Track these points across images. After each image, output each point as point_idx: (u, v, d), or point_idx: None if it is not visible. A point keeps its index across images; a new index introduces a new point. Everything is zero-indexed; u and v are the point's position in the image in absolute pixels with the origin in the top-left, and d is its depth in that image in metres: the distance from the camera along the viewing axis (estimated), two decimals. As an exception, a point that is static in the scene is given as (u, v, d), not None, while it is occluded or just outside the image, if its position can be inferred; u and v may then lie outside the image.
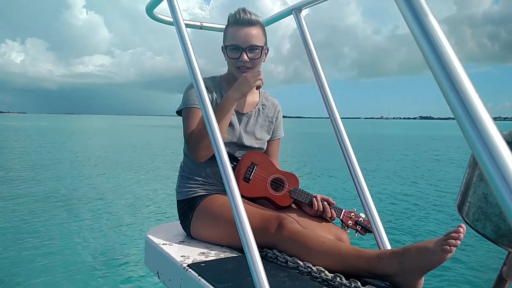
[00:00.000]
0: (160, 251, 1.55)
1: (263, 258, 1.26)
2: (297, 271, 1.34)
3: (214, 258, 1.46)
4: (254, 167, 1.74)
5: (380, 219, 1.51)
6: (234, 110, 1.73)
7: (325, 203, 1.71)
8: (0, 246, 5.38)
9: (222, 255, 1.49)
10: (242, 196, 1.15)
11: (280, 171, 1.79)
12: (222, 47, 1.74)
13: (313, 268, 1.31)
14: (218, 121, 1.28)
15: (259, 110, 1.85)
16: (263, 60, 1.74)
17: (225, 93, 1.73)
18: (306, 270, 1.33)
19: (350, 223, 1.71)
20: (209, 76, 1.79)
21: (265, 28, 1.76)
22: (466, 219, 0.80)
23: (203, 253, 1.51)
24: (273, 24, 1.90)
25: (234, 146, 1.76)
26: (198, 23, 1.94)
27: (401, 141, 35.04)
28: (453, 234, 1.17)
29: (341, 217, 1.72)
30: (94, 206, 7.94)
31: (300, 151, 22.09)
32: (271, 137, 1.90)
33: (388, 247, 1.45)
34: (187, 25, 1.75)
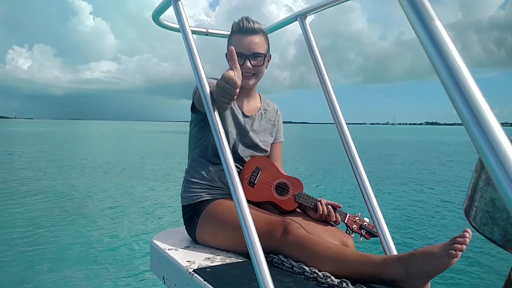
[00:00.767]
0: (166, 256, 1.55)
1: (269, 263, 1.25)
2: (303, 276, 1.34)
3: (219, 263, 1.46)
4: (258, 171, 1.75)
5: (386, 224, 1.50)
6: (241, 112, 1.79)
7: (330, 207, 1.71)
8: (11, 251, 5.40)
9: (228, 261, 1.49)
10: (247, 201, 1.16)
11: (285, 176, 1.80)
12: (226, 54, 1.77)
13: (319, 273, 1.31)
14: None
15: (262, 114, 1.88)
16: (266, 67, 1.78)
17: None
18: (312, 275, 1.32)
19: (355, 227, 1.71)
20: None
21: (271, 34, 1.79)
22: (473, 224, 0.80)
23: (208, 258, 1.51)
24: (279, 30, 1.92)
25: (242, 145, 1.78)
26: (204, 30, 1.96)
27: (411, 147, 34.40)
28: (459, 239, 1.17)
29: (345, 221, 1.72)
30: (104, 212, 7.96)
31: (306, 157, 22.06)
32: (273, 140, 1.93)
33: (394, 252, 1.44)
34: (193, 32, 1.77)
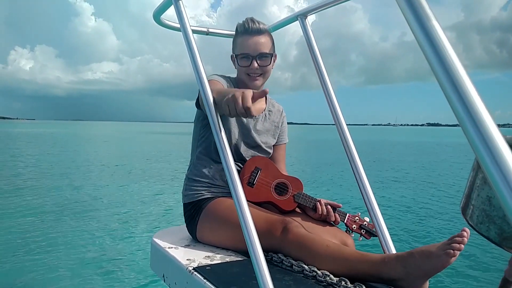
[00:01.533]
0: (166, 254, 1.56)
1: (268, 262, 1.26)
2: (302, 275, 1.34)
3: (219, 261, 1.47)
4: (258, 171, 1.75)
5: (385, 224, 1.51)
6: None
7: (329, 207, 1.72)
8: (13, 253, 5.42)
9: (228, 259, 1.50)
10: (247, 201, 1.16)
11: (284, 176, 1.80)
12: (231, 56, 1.78)
13: (318, 272, 1.32)
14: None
15: (266, 115, 1.88)
16: (272, 67, 1.78)
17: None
18: (311, 274, 1.33)
19: (354, 227, 1.71)
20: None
21: (272, 34, 1.79)
22: (470, 222, 0.81)
23: (208, 256, 1.52)
24: (280, 31, 1.93)
25: (245, 145, 1.78)
26: (205, 29, 1.97)
27: (416, 149, 33.64)
28: (457, 238, 1.18)
29: (345, 221, 1.73)
30: (106, 213, 7.97)
31: (307, 158, 22.03)
32: (276, 142, 1.93)
33: (393, 251, 1.45)
34: (193, 31, 1.78)
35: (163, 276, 1.58)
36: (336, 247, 1.39)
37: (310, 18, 1.77)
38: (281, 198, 1.75)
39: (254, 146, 1.81)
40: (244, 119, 1.78)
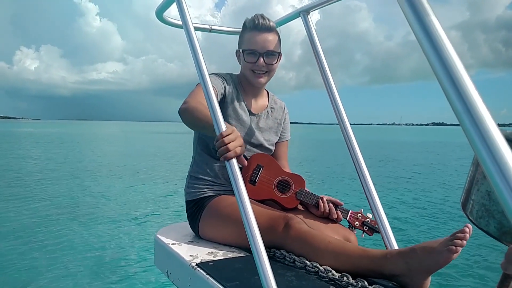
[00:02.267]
0: (169, 250, 1.57)
1: (270, 258, 1.27)
2: (304, 270, 1.35)
3: (222, 257, 1.48)
4: (260, 169, 1.75)
5: (388, 220, 1.51)
6: (247, 109, 1.79)
7: (331, 204, 1.72)
8: (21, 253, 5.46)
9: (230, 255, 1.51)
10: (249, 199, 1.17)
11: (286, 173, 1.80)
12: (236, 51, 1.77)
13: (320, 267, 1.32)
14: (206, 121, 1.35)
15: (268, 113, 1.88)
16: (277, 66, 1.78)
17: (239, 90, 1.78)
18: (313, 269, 1.33)
19: (357, 224, 1.71)
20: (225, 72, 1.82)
21: None
22: (470, 217, 0.81)
23: (211, 252, 1.53)
24: (285, 30, 1.93)
25: (247, 143, 1.78)
26: (208, 26, 1.97)
27: (428, 150, 32.70)
28: (459, 234, 1.18)
29: (347, 218, 1.73)
30: (115, 212, 8.01)
31: (312, 157, 21.99)
32: (279, 139, 1.93)
33: (396, 247, 1.45)
34: (196, 28, 1.78)
35: (167, 272, 1.59)
36: (338, 243, 1.39)
37: (315, 17, 1.77)
38: (283, 196, 1.75)
39: (257, 144, 1.81)
40: (248, 117, 1.78)
